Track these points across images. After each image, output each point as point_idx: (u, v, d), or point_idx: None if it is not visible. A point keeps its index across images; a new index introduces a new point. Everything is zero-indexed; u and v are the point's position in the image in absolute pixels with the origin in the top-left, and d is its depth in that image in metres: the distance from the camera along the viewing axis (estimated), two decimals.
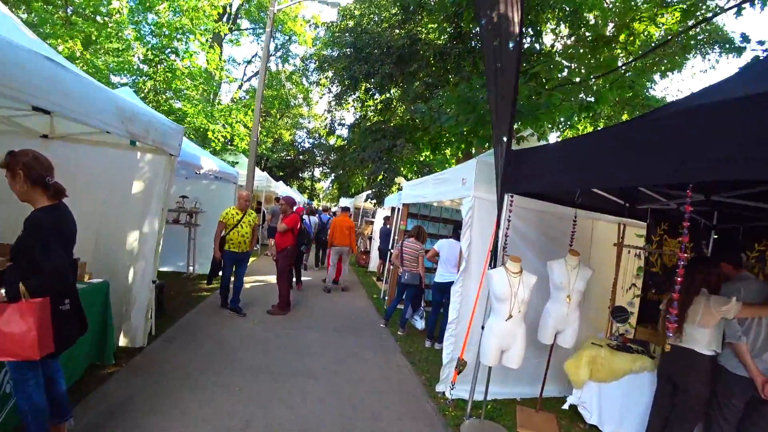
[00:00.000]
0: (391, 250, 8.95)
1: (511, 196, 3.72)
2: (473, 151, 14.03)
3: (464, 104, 4.76)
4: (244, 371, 4.08)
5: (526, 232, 4.48)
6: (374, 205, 11.81)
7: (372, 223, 13.19)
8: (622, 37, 5.52)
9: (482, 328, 3.59)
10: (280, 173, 32.80)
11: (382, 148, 11.48)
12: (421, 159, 14.49)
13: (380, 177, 11.13)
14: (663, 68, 7.74)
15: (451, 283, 5.59)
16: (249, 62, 28.82)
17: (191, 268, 7.91)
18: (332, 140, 17.93)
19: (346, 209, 11.05)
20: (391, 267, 7.82)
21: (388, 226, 10.63)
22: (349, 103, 14.52)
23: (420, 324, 6.19)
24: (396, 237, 7.73)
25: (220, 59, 13.85)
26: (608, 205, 4.68)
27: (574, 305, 3.81)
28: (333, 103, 14.48)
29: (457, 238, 5.69)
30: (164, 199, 3.93)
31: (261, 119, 29.05)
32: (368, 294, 8.91)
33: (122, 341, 4.02)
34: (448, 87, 5.26)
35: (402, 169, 12.33)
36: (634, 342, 4.41)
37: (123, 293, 3.91)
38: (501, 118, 3.60)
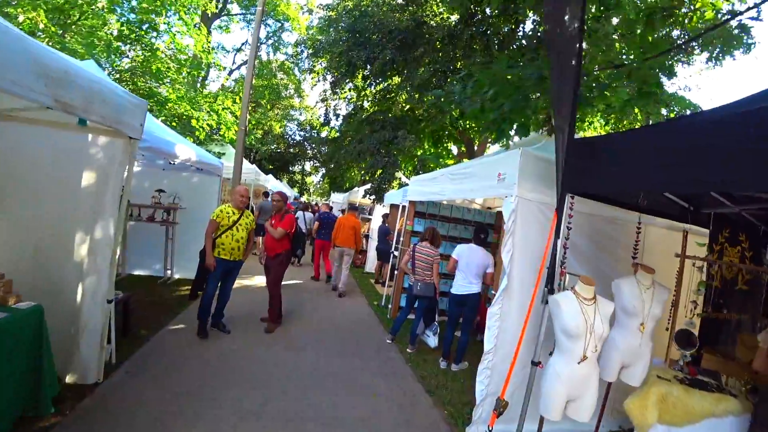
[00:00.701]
0: (394, 252, 8.13)
1: (572, 197, 2.92)
2: (490, 144, 13.18)
3: (504, 84, 3.93)
4: (230, 414, 3.23)
5: (574, 239, 3.69)
6: (372, 202, 10.96)
7: (369, 220, 12.34)
8: (680, 11, 4.75)
9: (534, 363, 2.80)
10: (270, 166, 31.74)
11: (381, 139, 10.63)
12: (418, 153, 13.65)
13: (379, 171, 10.29)
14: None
15: (472, 296, 4.83)
16: (239, 50, 27.67)
17: (169, 272, 6.99)
18: (325, 132, 16.96)
19: (353, 208, 10.19)
20: (396, 272, 7.00)
21: (386, 225, 9.80)
22: (345, 91, 13.60)
23: (433, 341, 5.38)
24: (402, 239, 6.89)
25: (207, 40, 12.79)
26: (670, 209, 3.91)
27: (648, 335, 3.03)
28: (328, 92, 13.54)
29: (479, 243, 4.89)
30: (121, 194, 3.04)
31: (250, 110, 28.01)
32: (368, 300, 8.08)
33: (69, 378, 3.13)
34: (475, 67, 4.44)
35: (402, 163, 11.49)
36: (702, 372, 3.67)
37: (69, 317, 3.03)
38: (562, 103, 2.79)
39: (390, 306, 6.96)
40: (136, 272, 7.13)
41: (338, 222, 8.51)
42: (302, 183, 39.91)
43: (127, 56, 9.95)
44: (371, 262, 11.20)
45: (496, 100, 4.28)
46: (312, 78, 15.09)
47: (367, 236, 12.07)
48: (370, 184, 11.05)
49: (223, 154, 12.16)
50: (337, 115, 13.53)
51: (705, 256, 4.12)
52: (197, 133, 12.06)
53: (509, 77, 3.97)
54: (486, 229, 4.89)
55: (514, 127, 4.29)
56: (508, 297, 3.34)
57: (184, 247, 6.90)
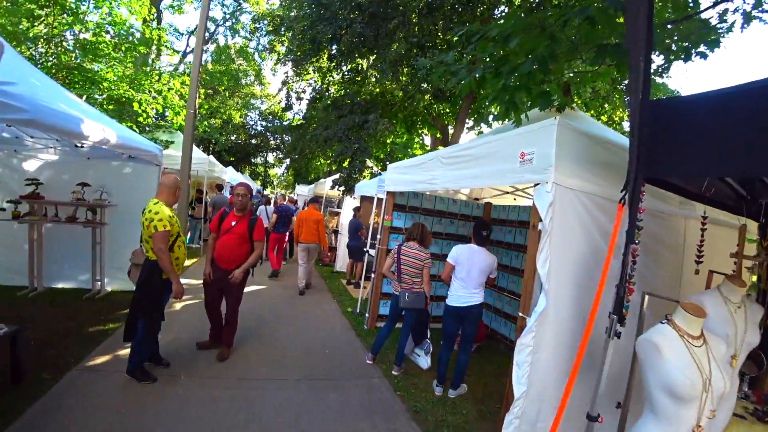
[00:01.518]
0: (369, 251, 7.16)
1: (643, 185, 2.05)
2: (467, 130, 12.32)
3: (535, 33, 2.98)
4: None
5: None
6: (341, 193, 9.91)
7: (338, 214, 11.29)
8: None
9: (592, 419, 1.94)
10: (231, 158, 29.91)
11: (350, 124, 9.58)
12: (389, 140, 12.68)
13: (348, 160, 9.24)
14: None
15: (473, 308, 3.95)
16: (192, 32, 25.55)
17: (98, 284, 5.74)
18: (288, 119, 15.67)
19: (315, 200, 9.15)
20: (373, 274, 6.05)
21: (358, 219, 8.82)
22: (309, 73, 12.39)
23: (425, 362, 4.50)
24: (379, 236, 5.93)
25: (150, 12, 11.23)
26: (726, 198, 3.14)
27: (737, 369, 2.23)
28: (289, 73, 12.30)
29: (480, 242, 4.00)
30: None
31: (207, 96, 26.13)
32: (341, 306, 7.08)
33: None
34: (474, 26, 3.49)
35: (374, 150, 10.49)
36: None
37: None
38: (634, 53, 1.89)
39: (367, 314, 6.00)
40: (58, 285, 5.84)
41: (299, 217, 7.89)
42: (265, 175, 38.16)
43: (45, 22, 8.38)
44: (342, 261, 10.19)
45: (505, 62, 3.37)
46: (272, 59, 13.74)
47: (336, 232, 11.04)
48: (338, 174, 10.00)
49: (172, 142, 10.73)
50: (300, 99, 12.31)
51: (755, 255, 3.41)
52: (140, 118, 10.59)
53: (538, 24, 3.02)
54: (488, 225, 3.98)
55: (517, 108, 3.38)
56: (544, 322, 2.45)
57: (117, 252, 5.66)
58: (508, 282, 5.83)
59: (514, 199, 6.88)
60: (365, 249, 8.50)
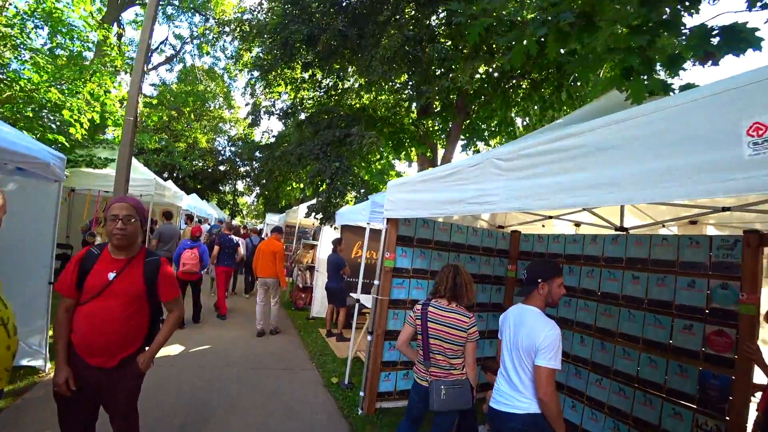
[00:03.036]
0: (355, 296, 5.41)
1: None
2: (475, 146, 10.91)
3: None
4: None
5: None
6: (318, 222, 8.16)
7: (314, 247, 9.50)
8: None
9: None
10: (198, 185, 27.70)
11: (328, 139, 7.97)
12: (374, 159, 11.13)
13: (325, 183, 7.57)
14: None
15: (530, 417, 2.23)
16: (156, 49, 23.73)
17: None
18: (257, 136, 13.93)
19: (277, 229, 7.42)
20: (368, 331, 4.30)
21: (339, 254, 7.09)
22: (279, 85, 10.81)
23: None
24: (377, 283, 4.21)
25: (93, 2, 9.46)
26: None
27: None
28: (257, 84, 10.69)
29: (530, 298, 2.37)
30: None
31: (171, 120, 24.14)
32: (322, 374, 5.24)
33: None
34: None
35: (358, 170, 8.87)
36: None
37: None
38: None
39: (363, 394, 4.20)
40: None
41: (258, 248, 7.11)
42: (234, 204, 35.91)
43: None
44: (320, 304, 8.34)
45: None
46: (238, 77, 12.11)
47: (311, 268, 9.21)
48: (316, 199, 8.27)
49: (113, 160, 8.83)
50: (270, 114, 10.63)
51: None
52: (72, 129, 8.67)
53: None
54: (547, 268, 2.34)
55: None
56: None
57: None
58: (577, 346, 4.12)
59: (543, 225, 5.37)
60: (348, 293, 6.76)
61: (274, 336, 6.81)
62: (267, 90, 10.65)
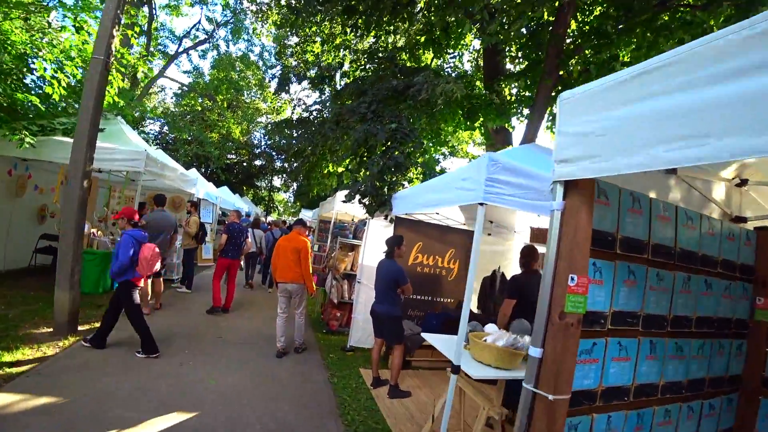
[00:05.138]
0: (421, 333, 2.86)
1: None
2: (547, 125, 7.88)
3: None
4: None
5: None
6: (364, 212, 5.59)
7: (354, 248, 7.04)
8: None
9: None
10: (232, 179, 26.21)
11: (380, 95, 5.50)
12: (447, 126, 8.48)
13: (378, 150, 5.09)
14: None
15: None
16: (187, 34, 22.17)
17: None
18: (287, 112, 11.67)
19: (300, 222, 5.16)
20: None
21: (395, 260, 4.60)
22: (314, 42, 8.45)
23: None
24: (545, 344, 1.72)
25: None
26: None
27: None
28: (287, 37, 8.37)
29: None
30: None
31: (204, 109, 22.60)
32: None
33: None
34: None
35: (425, 136, 6.35)
36: None
37: None
38: None
39: None
40: None
41: (277, 244, 5.48)
42: (269, 200, 34.44)
43: None
44: (361, 330, 5.88)
45: None
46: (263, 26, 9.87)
47: (350, 277, 6.74)
48: (360, 185, 5.69)
49: (101, 130, 6.75)
50: (301, 78, 8.26)
51: None
52: (49, 89, 6.67)
53: None
54: None
55: None
56: None
57: None
58: None
59: None
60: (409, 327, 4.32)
61: (292, 371, 4.51)
62: (298, 46, 8.30)
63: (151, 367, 4.22)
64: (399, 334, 4.48)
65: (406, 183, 4.99)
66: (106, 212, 7.10)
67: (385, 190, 4.61)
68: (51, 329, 4.72)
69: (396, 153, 4.70)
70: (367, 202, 4.99)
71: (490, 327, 3.37)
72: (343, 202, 5.22)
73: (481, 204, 2.59)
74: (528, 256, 4.05)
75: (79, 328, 4.92)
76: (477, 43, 9.26)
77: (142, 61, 7.38)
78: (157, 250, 4.55)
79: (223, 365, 4.59)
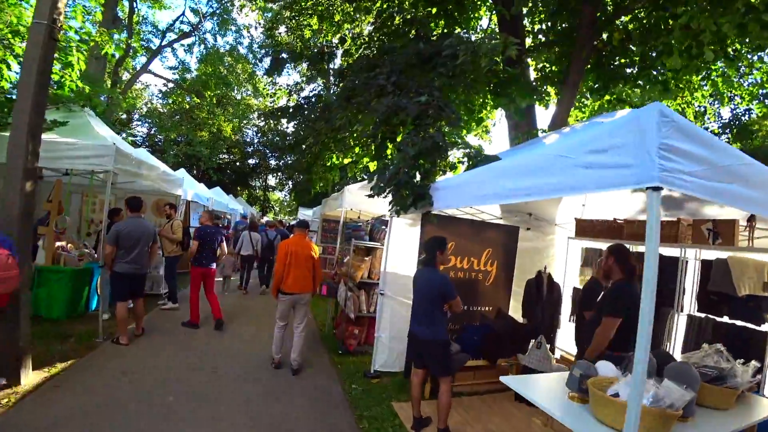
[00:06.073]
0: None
1: None
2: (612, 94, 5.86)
3: None
4: None
5: None
6: (391, 209, 4.43)
7: (371, 252, 5.96)
8: None
9: None
10: (225, 179, 25.08)
11: (402, 62, 4.42)
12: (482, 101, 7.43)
13: (407, 128, 4.01)
14: None
15: None
16: (170, 27, 20.88)
17: None
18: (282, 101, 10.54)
19: (302, 224, 4.31)
20: None
21: (438, 268, 3.55)
22: (311, 16, 7.32)
23: None
24: None
25: None
26: None
27: None
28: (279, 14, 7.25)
29: None
30: None
31: (192, 107, 21.38)
32: None
33: None
34: None
35: (462, 110, 5.29)
36: None
37: None
38: None
39: None
40: None
41: (285, 249, 4.55)
42: (264, 200, 33.39)
43: None
44: (387, 351, 4.82)
45: None
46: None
47: (367, 286, 5.67)
48: (391, 174, 4.41)
49: (65, 123, 5.61)
50: (296, 56, 7.13)
51: None
52: None
53: None
54: None
55: None
56: None
57: None
58: None
59: None
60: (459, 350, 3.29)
61: (309, 413, 3.47)
62: (293, 20, 7.15)
63: None
64: (448, 364, 3.43)
65: (448, 171, 3.89)
66: (68, 222, 5.96)
67: (421, 186, 3.51)
68: None
69: (432, 130, 3.61)
70: (391, 201, 3.89)
71: (604, 367, 2.33)
72: (368, 196, 4.11)
73: (655, 189, 1.51)
74: (628, 258, 2.99)
75: (32, 372, 3.82)
76: (494, 17, 8.25)
77: (106, 36, 6.22)
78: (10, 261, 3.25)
79: (221, 412, 3.53)
